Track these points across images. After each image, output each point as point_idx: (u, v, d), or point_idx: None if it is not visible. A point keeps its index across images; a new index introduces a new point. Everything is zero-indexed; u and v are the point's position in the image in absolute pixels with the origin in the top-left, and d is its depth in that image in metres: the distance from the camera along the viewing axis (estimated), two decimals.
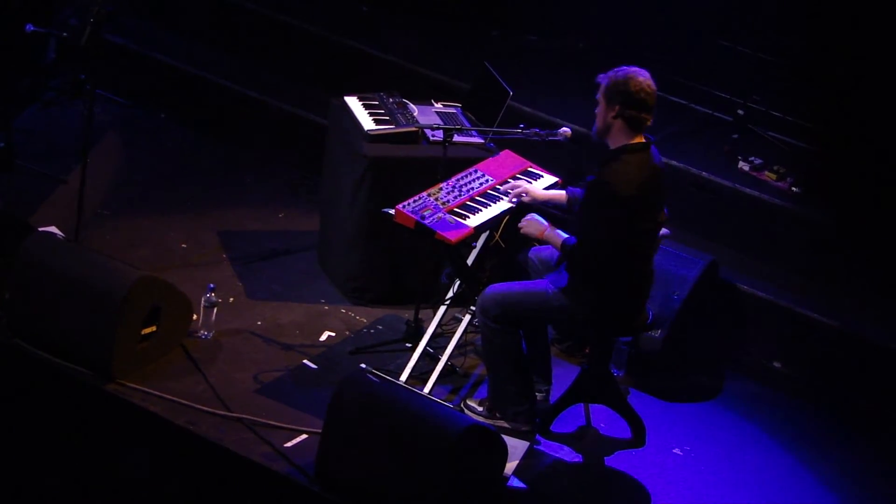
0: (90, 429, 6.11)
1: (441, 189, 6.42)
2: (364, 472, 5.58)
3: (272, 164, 8.59)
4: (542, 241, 6.20)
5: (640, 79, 5.83)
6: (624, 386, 6.85)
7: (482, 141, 7.19)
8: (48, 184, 7.72)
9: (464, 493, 5.50)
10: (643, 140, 5.92)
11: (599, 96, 5.92)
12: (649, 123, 5.90)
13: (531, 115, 8.06)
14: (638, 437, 6.47)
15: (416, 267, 7.02)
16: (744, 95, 8.49)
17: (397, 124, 7.12)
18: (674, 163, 7.81)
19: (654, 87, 5.86)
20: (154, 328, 6.31)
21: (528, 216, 6.28)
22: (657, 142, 6.07)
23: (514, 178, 6.67)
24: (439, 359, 6.54)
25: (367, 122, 7.12)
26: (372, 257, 7.16)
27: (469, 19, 9.38)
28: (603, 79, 5.91)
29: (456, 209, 6.31)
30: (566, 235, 6.05)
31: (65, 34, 8.11)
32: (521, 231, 6.25)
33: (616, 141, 5.91)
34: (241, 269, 7.35)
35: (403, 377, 6.44)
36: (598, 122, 5.94)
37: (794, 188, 7.92)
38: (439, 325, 6.73)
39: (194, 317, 6.63)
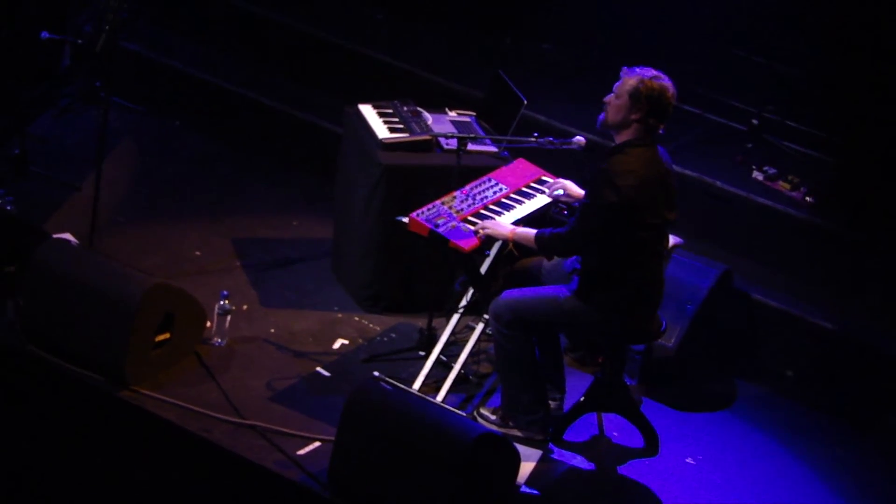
0: (103, 435, 6.11)
1: (455, 197, 6.42)
2: (376, 481, 5.57)
3: (286, 171, 8.59)
4: (514, 242, 6.16)
5: (671, 93, 5.82)
6: (637, 395, 6.84)
7: (496, 149, 7.18)
8: (62, 190, 7.73)
9: (476, 502, 5.49)
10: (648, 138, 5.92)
11: (622, 91, 5.85)
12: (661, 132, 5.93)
13: (545, 123, 8.07)
14: (651, 446, 6.46)
15: (430, 275, 7.01)
16: (758, 105, 8.48)
17: (411, 132, 7.12)
18: (688, 172, 7.82)
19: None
20: (168, 335, 6.32)
21: (484, 221, 6.28)
22: (672, 151, 6.08)
23: (528, 187, 6.68)
24: (452, 367, 6.53)
25: (381, 130, 7.12)
26: (385, 265, 7.16)
27: (483, 28, 9.38)
28: (630, 74, 5.86)
29: (470, 217, 6.31)
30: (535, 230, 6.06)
31: (80, 41, 8.17)
32: (484, 233, 6.18)
33: (623, 138, 5.90)
34: (254, 277, 7.35)
35: (416, 385, 6.43)
36: (615, 116, 5.88)
37: (808, 198, 7.90)
38: (452, 333, 6.72)
39: (208, 324, 6.63)
